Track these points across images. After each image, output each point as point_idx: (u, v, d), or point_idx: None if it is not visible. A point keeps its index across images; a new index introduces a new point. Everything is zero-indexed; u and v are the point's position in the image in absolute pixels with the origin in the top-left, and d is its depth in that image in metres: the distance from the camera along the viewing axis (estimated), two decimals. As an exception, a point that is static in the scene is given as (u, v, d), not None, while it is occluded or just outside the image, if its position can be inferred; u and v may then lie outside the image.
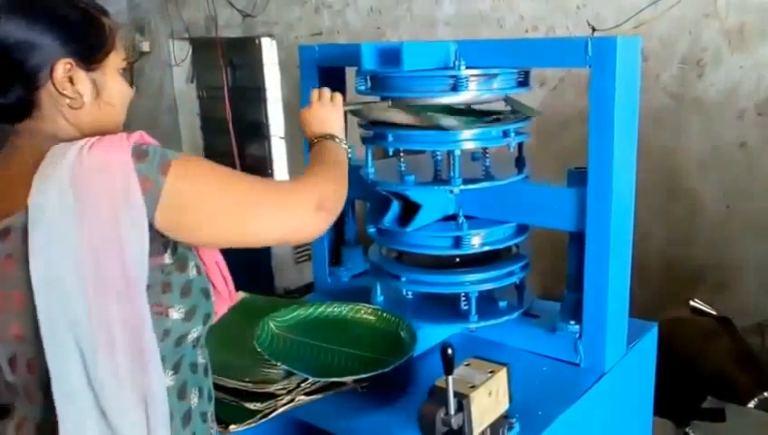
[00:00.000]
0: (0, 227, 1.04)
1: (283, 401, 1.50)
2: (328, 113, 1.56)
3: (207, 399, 1.25)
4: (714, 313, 3.03)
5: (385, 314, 1.80)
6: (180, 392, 1.17)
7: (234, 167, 5.72)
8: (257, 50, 5.70)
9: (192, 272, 1.15)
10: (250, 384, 1.51)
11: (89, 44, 1.14)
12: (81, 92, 1.13)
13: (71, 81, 1.12)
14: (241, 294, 1.88)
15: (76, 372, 1.03)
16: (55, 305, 1.01)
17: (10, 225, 1.04)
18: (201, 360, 1.24)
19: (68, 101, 1.12)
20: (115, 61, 1.19)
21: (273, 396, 1.50)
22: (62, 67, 1.10)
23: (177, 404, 1.16)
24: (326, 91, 1.60)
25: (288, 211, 1.19)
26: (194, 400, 1.20)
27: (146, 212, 1.03)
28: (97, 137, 1.06)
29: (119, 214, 1.01)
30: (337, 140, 1.51)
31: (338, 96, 1.60)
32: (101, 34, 1.16)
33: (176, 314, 1.11)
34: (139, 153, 1.04)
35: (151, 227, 1.05)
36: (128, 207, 1.01)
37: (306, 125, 1.56)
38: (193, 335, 1.16)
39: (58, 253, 1.01)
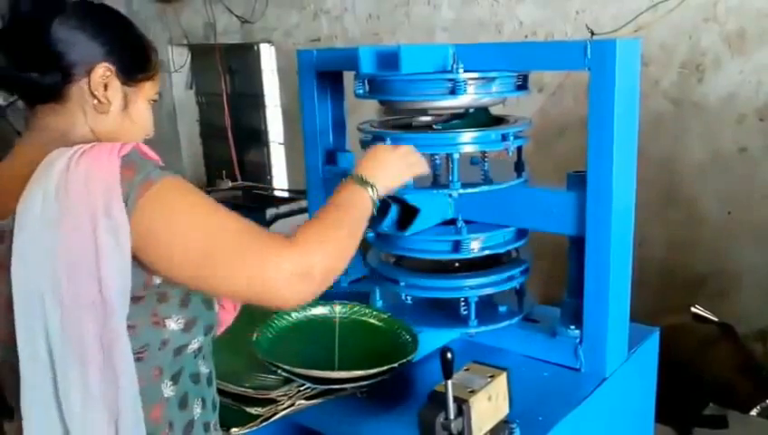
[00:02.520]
0: None
1: (284, 406, 1.48)
2: (392, 160, 1.40)
3: (212, 408, 1.24)
4: (715, 319, 3.02)
5: (386, 317, 1.79)
6: (181, 403, 1.16)
7: (233, 173, 5.67)
8: (256, 56, 5.71)
9: None
10: (251, 390, 1.49)
11: (133, 62, 1.19)
12: (110, 99, 1.15)
13: (105, 86, 1.14)
14: None
15: (45, 382, 1.02)
16: (32, 314, 1.01)
17: (2, 228, 1.05)
18: (204, 370, 1.22)
19: (95, 102, 1.14)
20: (150, 89, 1.23)
21: (273, 401, 1.49)
22: (103, 70, 1.13)
23: (178, 414, 1.15)
24: (411, 148, 1.46)
25: (264, 271, 1.04)
26: (196, 410, 1.19)
27: (128, 226, 1.00)
28: (90, 144, 1.05)
29: (98, 228, 0.99)
30: (375, 191, 1.32)
31: (420, 161, 1.46)
32: (147, 61, 1.22)
33: (174, 324, 1.10)
34: (128, 166, 1.02)
35: None
36: (108, 221, 0.99)
37: (362, 159, 1.40)
38: (194, 346, 1.15)
39: (37, 262, 1.00)
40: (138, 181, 1.01)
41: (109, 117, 1.16)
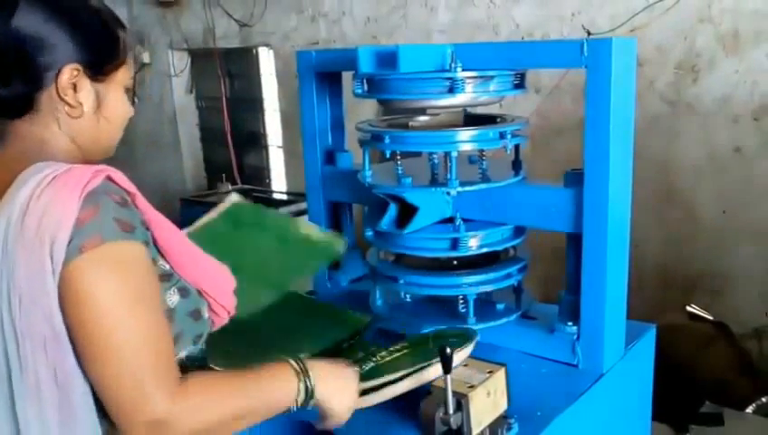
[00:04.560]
0: None
1: None
2: (346, 384, 1.29)
3: None
4: (711, 318, 3.03)
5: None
6: None
7: (232, 177, 5.67)
8: (255, 60, 5.73)
9: (173, 298, 1.10)
10: None
11: (101, 55, 1.11)
12: (81, 101, 1.09)
13: (74, 87, 1.08)
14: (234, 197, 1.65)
15: (3, 410, 1.00)
16: None
17: None
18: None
19: (67, 108, 1.08)
20: (123, 76, 1.16)
21: None
22: (69, 72, 1.07)
23: None
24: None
25: (125, 405, 0.98)
26: None
27: (60, 267, 0.96)
28: (64, 169, 1.00)
29: (46, 268, 0.95)
30: (308, 391, 1.19)
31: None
32: (115, 47, 1.13)
33: None
34: (89, 207, 0.97)
35: None
36: (52, 264, 0.95)
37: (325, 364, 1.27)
38: (181, 356, 1.12)
39: None
40: (88, 232, 0.96)
41: (83, 120, 1.11)
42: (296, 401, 1.18)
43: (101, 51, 1.11)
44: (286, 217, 1.82)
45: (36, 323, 0.97)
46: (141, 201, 1.06)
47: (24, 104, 1.08)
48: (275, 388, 1.17)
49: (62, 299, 0.97)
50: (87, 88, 1.10)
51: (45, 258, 0.95)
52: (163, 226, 1.10)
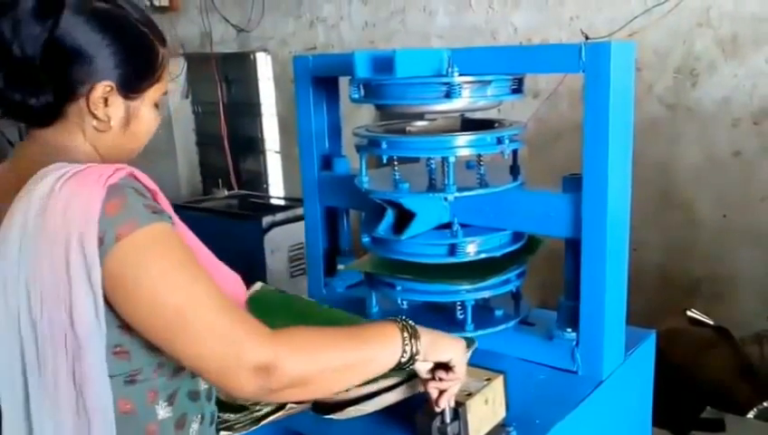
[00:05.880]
0: None
1: (274, 409, 1.46)
2: (452, 344, 1.27)
3: (209, 421, 1.21)
4: (711, 322, 3.02)
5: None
6: (178, 423, 1.12)
7: (229, 182, 5.67)
8: (252, 65, 5.73)
9: None
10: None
11: (138, 74, 1.09)
12: (110, 116, 1.08)
13: (105, 102, 1.06)
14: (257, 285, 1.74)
15: (18, 415, 0.99)
16: (11, 341, 0.97)
17: None
18: (203, 386, 1.18)
19: (95, 122, 1.07)
20: (155, 93, 1.15)
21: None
22: (103, 89, 1.05)
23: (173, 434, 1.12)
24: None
25: (227, 359, 0.98)
26: (194, 426, 1.16)
27: (99, 267, 0.94)
28: (84, 166, 0.99)
29: (72, 262, 0.94)
30: (413, 342, 1.18)
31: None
32: (153, 66, 1.12)
33: None
34: (114, 199, 0.96)
35: None
36: (82, 256, 0.94)
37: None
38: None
39: (14, 289, 0.96)
40: (121, 220, 0.95)
41: (109, 133, 1.10)
42: (403, 353, 1.16)
43: (138, 71, 1.09)
44: (313, 301, 1.90)
45: (57, 318, 0.95)
46: (162, 199, 1.06)
47: (51, 114, 1.07)
48: (380, 335, 1.16)
49: (110, 293, 0.96)
50: (118, 104, 1.09)
51: (72, 252, 0.93)
52: (181, 226, 1.10)
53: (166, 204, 1.06)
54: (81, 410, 0.98)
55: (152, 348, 1.03)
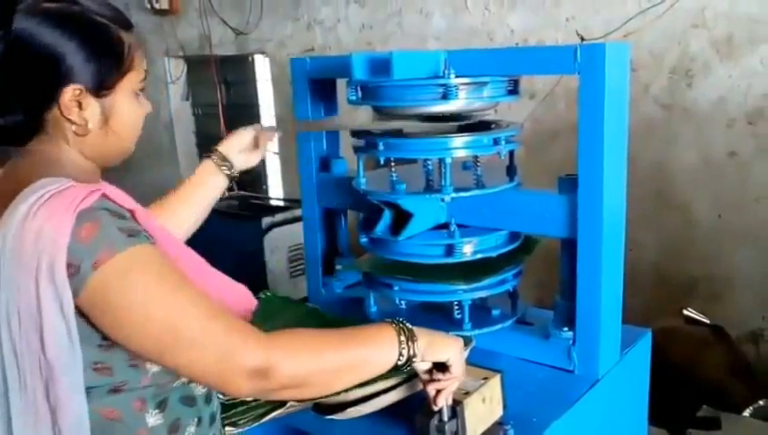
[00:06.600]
0: None
1: (276, 406, 1.47)
2: (450, 344, 1.28)
3: (209, 422, 1.21)
4: (707, 321, 3.03)
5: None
6: (171, 428, 1.12)
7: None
8: (250, 67, 5.74)
9: None
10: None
11: (103, 71, 1.05)
12: (87, 119, 1.05)
13: (79, 105, 1.04)
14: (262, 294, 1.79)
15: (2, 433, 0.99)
16: None
17: None
18: (200, 391, 1.17)
19: (74, 127, 1.05)
20: (131, 82, 1.10)
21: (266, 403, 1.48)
22: (72, 93, 1.02)
23: None
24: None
25: (222, 364, 1.00)
26: (190, 429, 1.15)
27: (70, 296, 0.94)
28: (57, 188, 0.97)
29: (42, 289, 0.93)
30: (411, 344, 1.19)
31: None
32: (120, 57, 1.07)
33: (155, 365, 1.06)
34: (86, 225, 0.95)
35: None
36: (53, 285, 0.93)
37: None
38: (183, 377, 1.11)
39: None
40: (97, 247, 0.94)
41: (91, 136, 1.07)
42: (400, 355, 1.17)
43: (104, 68, 1.05)
44: (315, 307, 1.94)
45: (33, 346, 0.95)
46: (142, 217, 1.04)
47: (28, 130, 1.06)
48: (375, 342, 1.17)
49: (98, 318, 0.97)
50: (92, 105, 1.06)
51: (42, 280, 0.93)
52: (169, 240, 1.10)
53: (147, 220, 1.05)
54: (56, 428, 0.98)
55: (137, 363, 1.04)
